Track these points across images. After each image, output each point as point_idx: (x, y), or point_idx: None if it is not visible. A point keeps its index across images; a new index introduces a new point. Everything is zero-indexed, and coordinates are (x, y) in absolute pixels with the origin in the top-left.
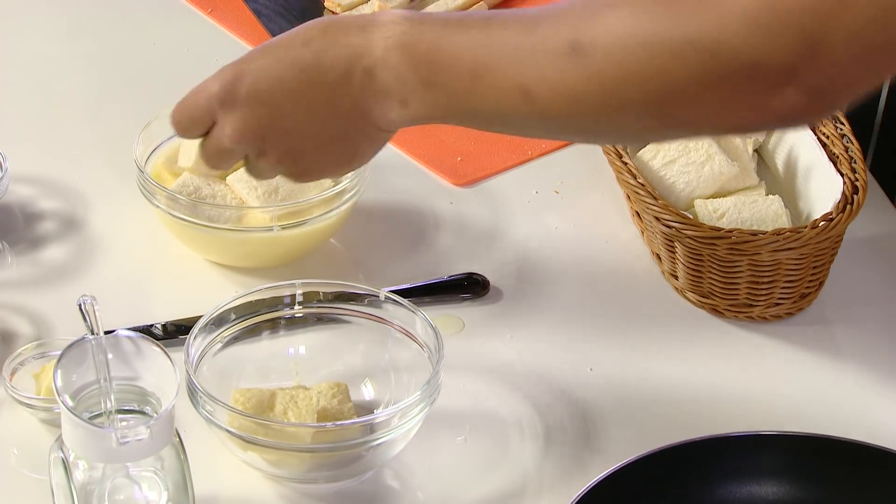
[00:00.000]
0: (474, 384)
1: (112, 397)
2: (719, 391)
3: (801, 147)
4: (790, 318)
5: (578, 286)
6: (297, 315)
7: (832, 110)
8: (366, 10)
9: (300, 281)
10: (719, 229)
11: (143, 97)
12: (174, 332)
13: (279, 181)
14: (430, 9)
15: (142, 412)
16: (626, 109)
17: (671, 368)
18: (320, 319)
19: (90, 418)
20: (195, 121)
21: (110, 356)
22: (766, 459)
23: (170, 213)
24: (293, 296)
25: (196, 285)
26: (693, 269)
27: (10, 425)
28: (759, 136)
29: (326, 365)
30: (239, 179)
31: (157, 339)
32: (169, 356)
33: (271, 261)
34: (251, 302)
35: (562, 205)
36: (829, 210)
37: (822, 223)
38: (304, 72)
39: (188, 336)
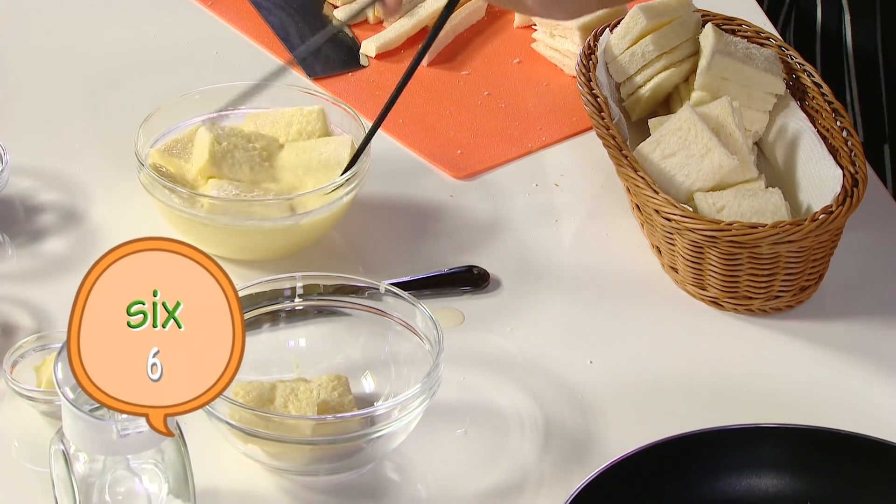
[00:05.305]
0: (474, 377)
1: None
2: (719, 384)
3: (800, 140)
4: (790, 310)
5: (578, 279)
6: (297, 308)
7: None
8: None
9: (300, 274)
10: (719, 222)
11: (144, 90)
12: None
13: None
14: (428, 3)
15: None
16: None
17: (671, 361)
18: (320, 312)
19: (91, 410)
20: None
21: None
22: (766, 452)
23: (170, 206)
24: (293, 288)
25: None
26: (693, 262)
27: (10, 418)
28: (759, 129)
29: (327, 357)
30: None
31: None
32: None
33: (271, 253)
34: (251, 295)
35: (562, 198)
36: (828, 203)
37: (822, 216)
38: None
39: None
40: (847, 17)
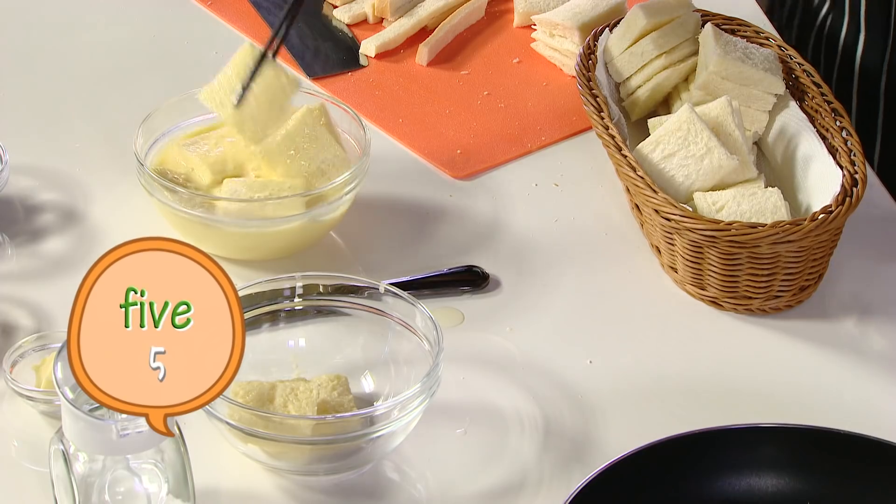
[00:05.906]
0: (474, 377)
1: None
2: (718, 384)
3: (800, 140)
4: (789, 310)
5: (578, 279)
6: (297, 308)
7: None
8: (366, 2)
9: (300, 274)
10: (718, 222)
11: (143, 90)
12: None
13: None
14: (427, 3)
15: None
16: None
17: (670, 361)
18: (320, 312)
19: (90, 410)
20: None
21: None
22: (766, 452)
23: (169, 206)
24: (293, 288)
25: None
26: (692, 262)
27: (10, 417)
28: (759, 129)
29: (326, 357)
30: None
31: None
32: None
33: (271, 254)
34: (251, 294)
35: (561, 197)
36: (828, 203)
37: (822, 216)
38: None
39: None
40: (862, 35)
